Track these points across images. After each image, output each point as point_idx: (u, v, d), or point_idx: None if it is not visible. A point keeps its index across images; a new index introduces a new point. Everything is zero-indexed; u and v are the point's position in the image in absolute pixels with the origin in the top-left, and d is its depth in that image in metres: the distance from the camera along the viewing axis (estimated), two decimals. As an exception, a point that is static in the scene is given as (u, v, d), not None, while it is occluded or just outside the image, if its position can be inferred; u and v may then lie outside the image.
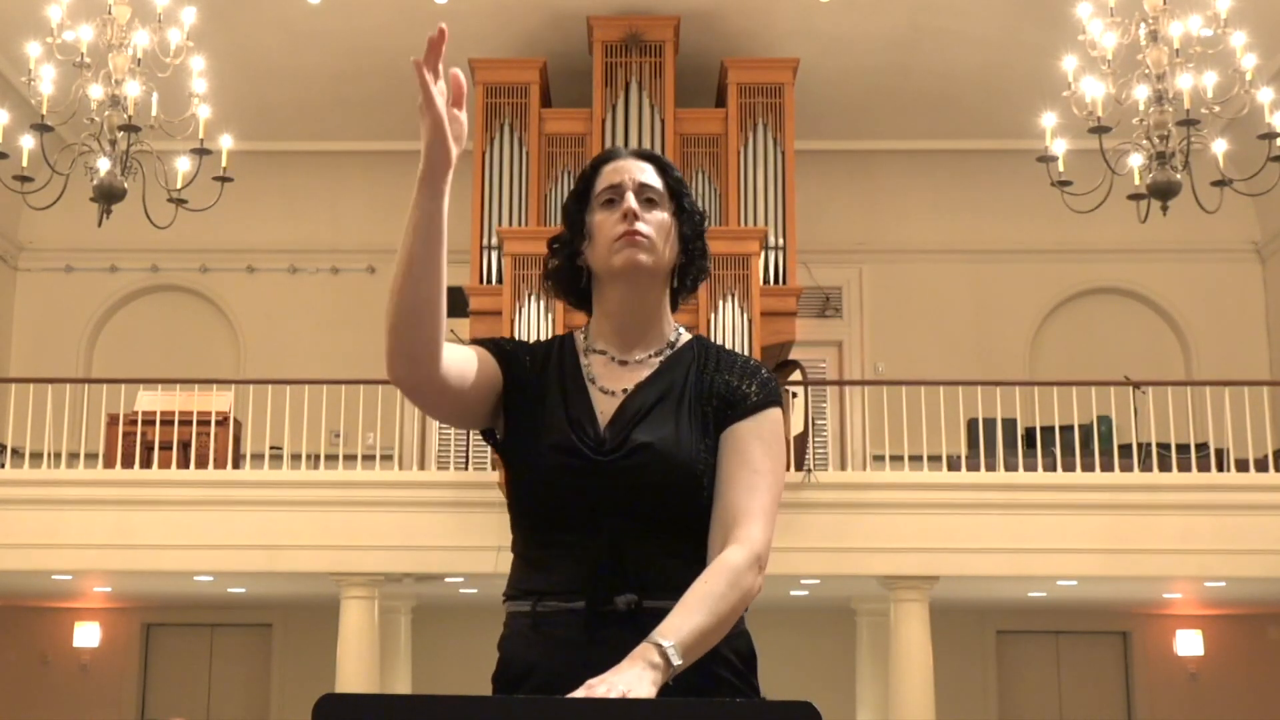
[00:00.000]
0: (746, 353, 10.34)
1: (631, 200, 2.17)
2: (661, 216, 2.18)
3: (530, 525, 2.14)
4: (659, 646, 1.89)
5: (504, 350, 2.20)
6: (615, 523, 2.06)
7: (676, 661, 1.90)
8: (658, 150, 12.76)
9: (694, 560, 2.07)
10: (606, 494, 2.07)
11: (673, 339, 2.24)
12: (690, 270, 2.23)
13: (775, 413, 2.17)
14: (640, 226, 2.15)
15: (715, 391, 2.17)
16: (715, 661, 2.03)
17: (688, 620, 1.94)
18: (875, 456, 12.71)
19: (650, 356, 2.21)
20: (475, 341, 2.21)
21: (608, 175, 2.21)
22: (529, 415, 2.16)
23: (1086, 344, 13.62)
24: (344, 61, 12.38)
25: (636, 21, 11.93)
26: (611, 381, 2.19)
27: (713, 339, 11.14)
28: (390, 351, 2.00)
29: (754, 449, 2.12)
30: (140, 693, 14.33)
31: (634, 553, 2.05)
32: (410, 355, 2.00)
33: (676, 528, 2.09)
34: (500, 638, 2.16)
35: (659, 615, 1.97)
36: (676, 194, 2.22)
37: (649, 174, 2.21)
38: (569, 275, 2.24)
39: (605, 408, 2.16)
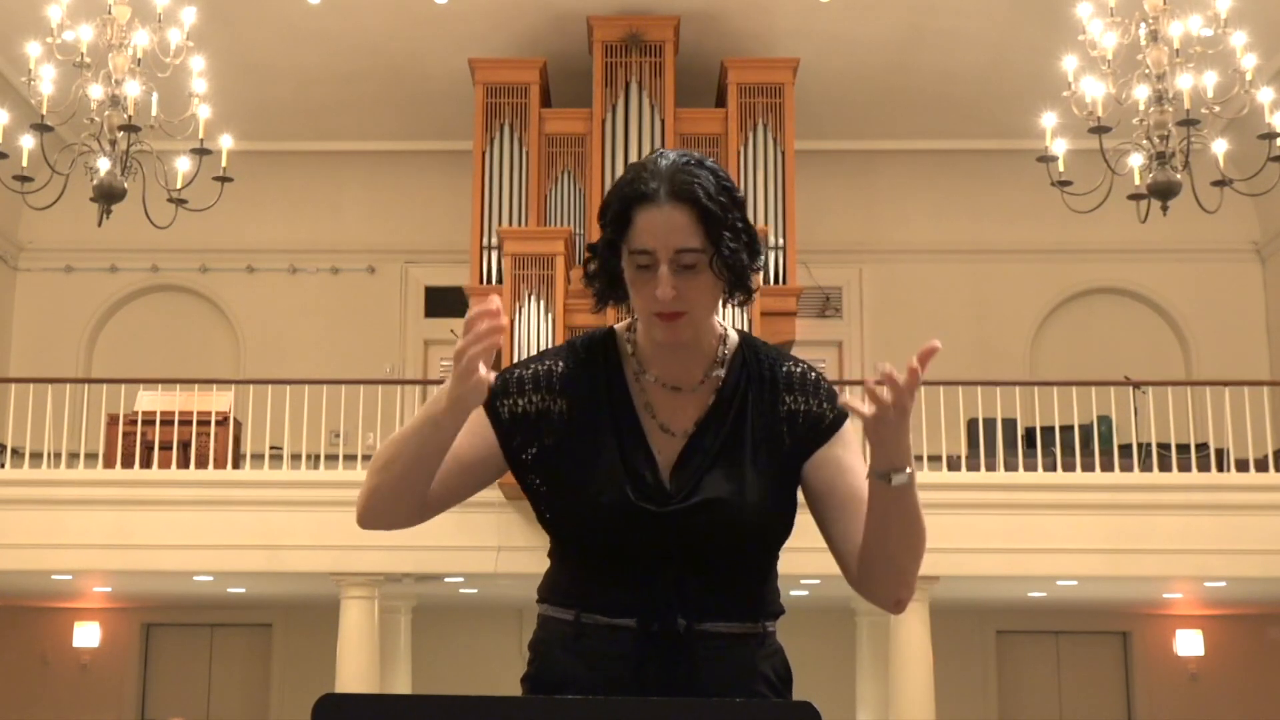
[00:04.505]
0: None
1: (668, 286, 1.95)
2: (701, 279, 1.97)
3: (576, 553, 2.07)
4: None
5: (516, 418, 2.05)
6: (675, 565, 2.01)
7: (908, 473, 1.93)
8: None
9: (746, 591, 2.07)
10: (668, 543, 2.00)
11: (721, 354, 2.09)
12: (738, 291, 2.04)
13: (850, 425, 2.08)
14: (678, 308, 1.97)
15: (784, 420, 2.08)
16: (755, 679, 2.05)
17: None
18: (875, 456, 12.69)
19: (706, 378, 2.08)
20: (491, 395, 2.03)
21: (641, 232, 1.96)
22: (570, 455, 2.04)
23: (1086, 344, 13.62)
24: (344, 61, 12.38)
25: (636, 21, 11.93)
26: (670, 416, 2.06)
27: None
28: (364, 514, 2.02)
29: (859, 462, 2.06)
30: (140, 693, 14.33)
31: (693, 587, 2.02)
32: (387, 523, 2.03)
33: (736, 567, 2.06)
34: (534, 639, 2.13)
35: (708, 638, 2.01)
36: (716, 239, 1.96)
37: (685, 230, 1.95)
38: (614, 288, 2.07)
39: (665, 448, 2.04)
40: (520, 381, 2.07)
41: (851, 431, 2.10)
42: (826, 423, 2.08)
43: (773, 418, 2.07)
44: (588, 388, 2.07)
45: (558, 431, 2.05)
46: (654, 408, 2.06)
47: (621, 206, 1.99)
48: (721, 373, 2.08)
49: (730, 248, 1.97)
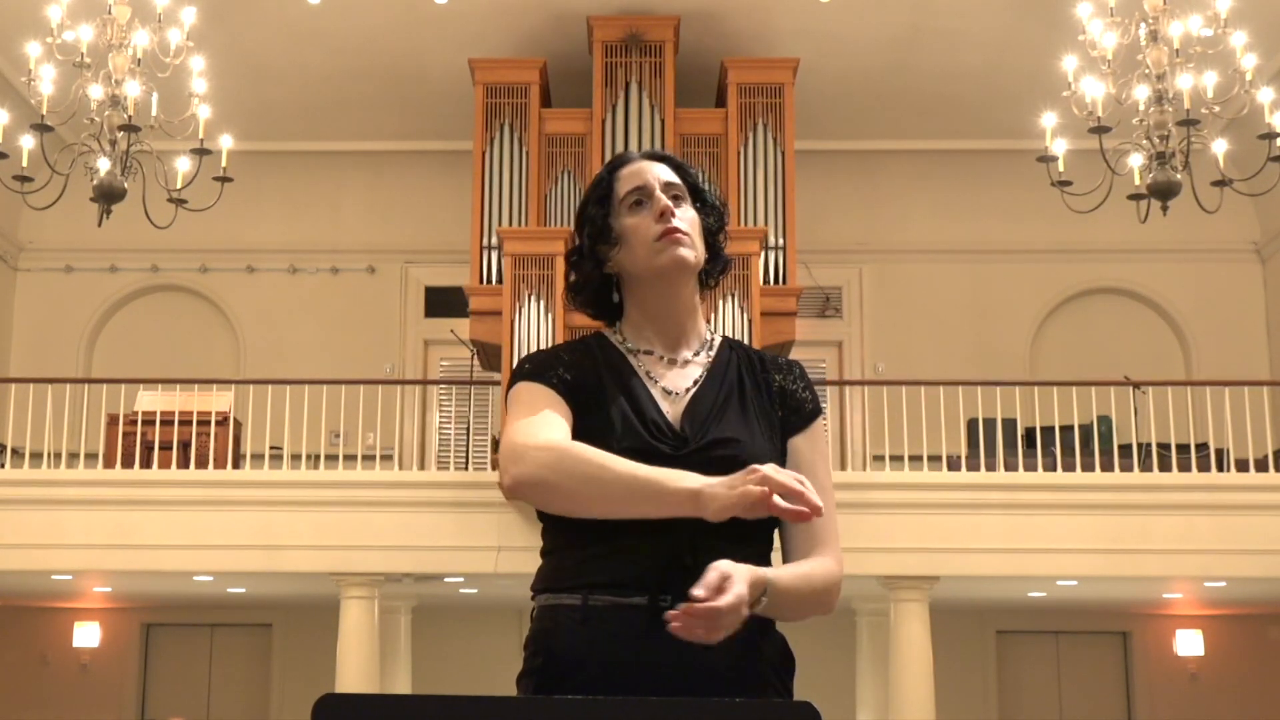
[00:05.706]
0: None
1: (664, 199, 2.17)
2: (691, 213, 2.20)
3: (585, 523, 2.06)
4: (765, 579, 1.96)
5: (566, 385, 2.16)
6: (689, 522, 2.01)
7: (764, 602, 1.96)
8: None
9: (756, 561, 2.08)
10: None
11: (708, 337, 2.25)
12: (715, 265, 2.24)
13: (823, 420, 2.25)
14: (678, 223, 2.16)
15: (776, 394, 2.21)
16: (762, 661, 2.08)
17: (792, 579, 2.04)
18: (875, 456, 12.71)
19: (695, 355, 2.22)
20: (535, 377, 2.16)
21: (628, 178, 2.21)
22: (587, 420, 2.13)
23: (1086, 344, 13.62)
24: (344, 61, 12.38)
25: (636, 21, 11.93)
26: (670, 381, 2.18)
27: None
28: (518, 490, 2.01)
29: (819, 467, 2.18)
30: (140, 693, 14.34)
31: (704, 553, 2.02)
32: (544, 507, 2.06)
33: (741, 529, 2.05)
34: (536, 632, 2.11)
35: None
36: (696, 190, 2.23)
37: (667, 173, 2.22)
38: (599, 285, 2.22)
39: (670, 408, 2.15)
40: (550, 357, 2.21)
41: (824, 438, 2.25)
42: (807, 410, 2.23)
43: (766, 390, 2.22)
44: (591, 363, 2.20)
45: (576, 398, 2.15)
46: (653, 375, 2.19)
47: (604, 176, 2.22)
48: (711, 352, 2.24)
49: (709, 205, 2.22)
